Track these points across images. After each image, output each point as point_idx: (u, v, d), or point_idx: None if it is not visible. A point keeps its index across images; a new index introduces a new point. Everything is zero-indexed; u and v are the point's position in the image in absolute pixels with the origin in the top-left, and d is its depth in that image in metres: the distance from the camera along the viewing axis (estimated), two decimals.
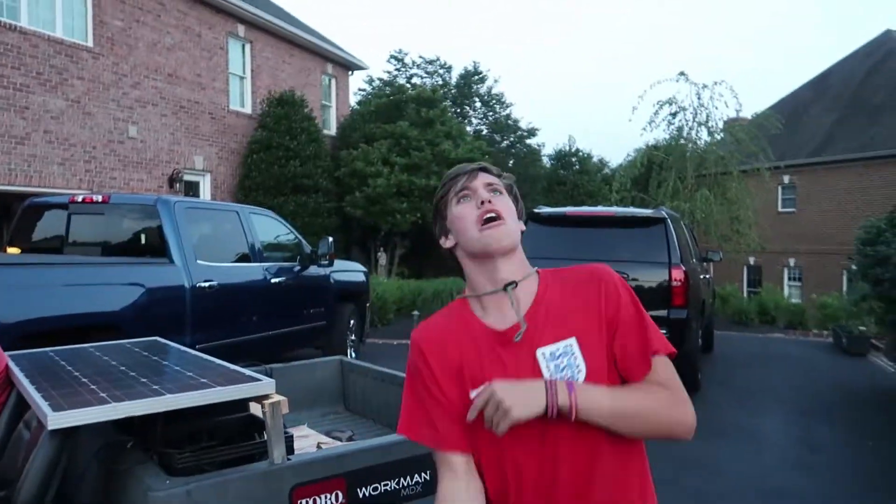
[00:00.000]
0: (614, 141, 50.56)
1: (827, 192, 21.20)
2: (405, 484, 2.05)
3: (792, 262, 22.16)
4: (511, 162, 27.16)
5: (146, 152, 11.84)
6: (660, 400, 1.28)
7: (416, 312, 11.25)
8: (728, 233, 14.35)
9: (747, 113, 17.29)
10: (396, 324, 11.18)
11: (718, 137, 14.86)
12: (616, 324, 1.29)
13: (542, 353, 1.26)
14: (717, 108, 14.83)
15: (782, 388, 7.43)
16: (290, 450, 2.01)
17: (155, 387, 1.95)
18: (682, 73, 14.20)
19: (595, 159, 25.41)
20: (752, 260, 22.04)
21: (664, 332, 5.44)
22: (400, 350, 9.12)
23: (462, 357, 1.30)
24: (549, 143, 33.30)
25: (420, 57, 29.14)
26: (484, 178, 1.38)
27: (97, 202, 5.45)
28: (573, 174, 20.60)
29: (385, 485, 2.00)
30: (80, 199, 5.54)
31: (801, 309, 13.24)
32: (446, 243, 1.41)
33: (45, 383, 1.99)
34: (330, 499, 1.89)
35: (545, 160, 25.70)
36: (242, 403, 2.11)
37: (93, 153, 10.83)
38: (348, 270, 7.99)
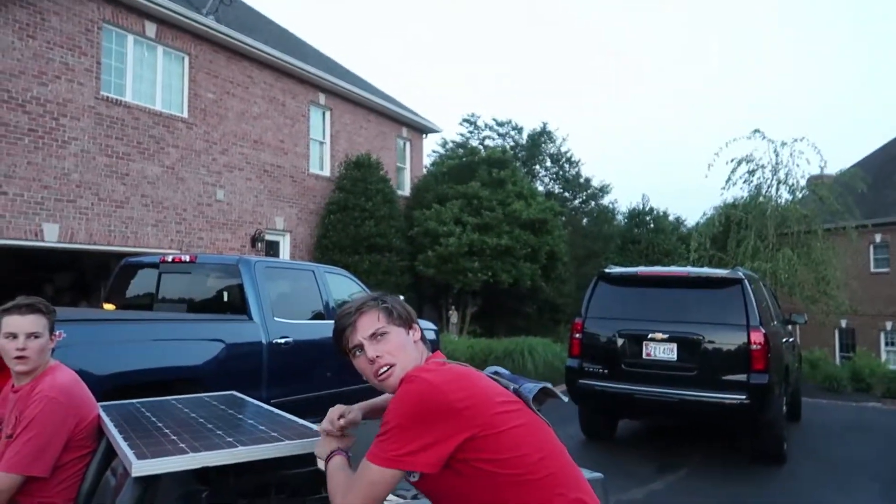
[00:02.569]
0: (690, 199, 49.54)
1: None
2: None
3: (889, 325, 20.82)
4: (584, 221, 27.03)
5: (231, 214, 12.51)
6: (341, 480, 1.63)
7: None
8: (814, 294, 13.69)
9: (833, 169, 16.70)
10: None
11: (799, 195, 14.37)
12: None
13: None
14: (797, 165, 14.39)
15: (877, 462, 6.91)
16: None
17: (229, 439, 2.05)
18: (756, 130, 13.95)
19: (671, 217, 24.97)
20: (843, 323, 20.85)
21: (742, 397, 5.20)
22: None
23: None
24: (623, 200, 33.15)
25: (493, 119, 29.80)
26: (364, 328, 1.56)
27: (185, 262, 5.79)
28: (647, 233, 20.26)
29: None
30: (170, 258, 5.91)
31: None
32: None
33: (131, 433, 2.13)
34: None
35: (619, 218, 25.43)
36: (310, 458, 2.19)
37: (183, 215, 11.54)
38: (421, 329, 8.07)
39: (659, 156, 74.44)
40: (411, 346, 1.60)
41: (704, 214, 15.71)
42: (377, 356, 1.54)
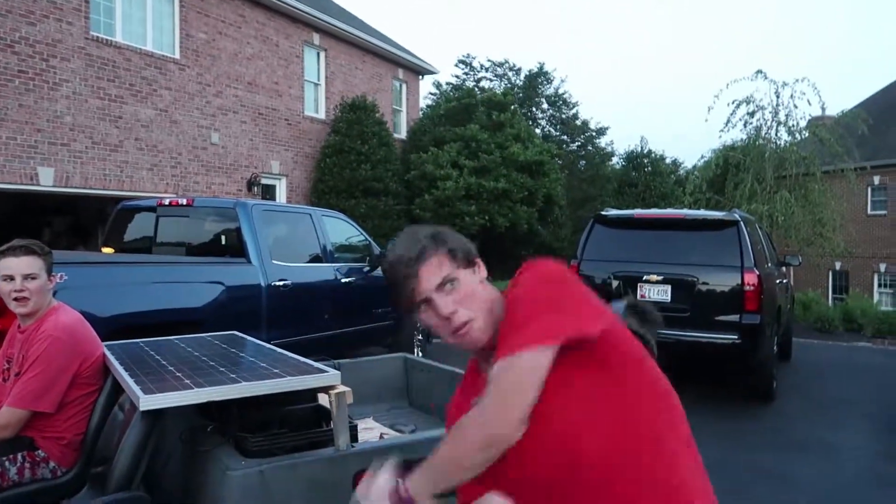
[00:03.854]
0: (689, 141, 49.14)
1: None
2: None
3: (883, 267, 20.99)
4: (581, 163, 26.87)
5: (227, 157, 12.41)
6: (458, 435, 1.21)
7: None
8: (810, 236, 13.75)
9: (834, 111, 16.53)
10: None
11: (799, 137, 14.26)
12: None
13: None
14: (796, 106, 14.19)
15: (865, 400, 7.10)
16: (354, 438, 2.13)
17: (232, 375, 2.11)
18: (759, 71, 13.74)
19: (668, 160, 24.83)
20: (838, 265, 21.00)
21: (734, 337, 5.29)
22: (466, 351, 9.23)
23: None
24: (620, 143, 32.74)
25: (488, 60, 29.26)
26: (429, 278, 1.30)
27: (182, 205, 5.80)
28: (645, 176, 20.20)
29: None
30: (167, 202, 5.91)
31: (891, 317, 12.54)
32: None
33: (137, 370, 2.19)
34: None
35: (616, 161, 25.31)
36: (311, 394, 2.25)
37: (178, 159, 11.45)
38: None
39: (658, 98, 73.46)
40: (481, 289, 1.35)
41: (703, 157, 15.65)
42: (452, 312, 1.29)
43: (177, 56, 11.53)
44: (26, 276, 2.43)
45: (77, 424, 2.42)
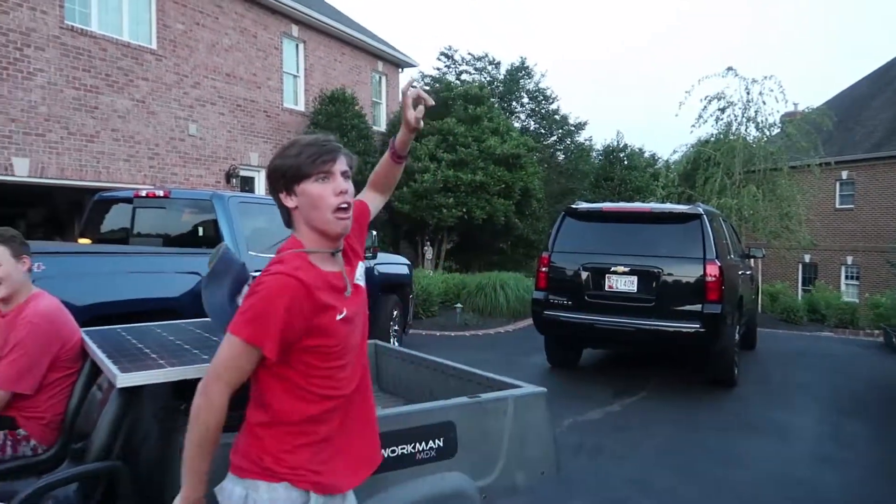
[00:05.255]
0: (665, 136, 49.70)
1: (887, 188, 20.51)
2: (420, 448, 2.30)
3: (850, 259, 21.52)
4: (560, 157, 27.10)
5: (205, 149, 12.43)
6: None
7: (459, 305, 11.50)
8: (777, 230, 14.10)
9: (806, 107, 16.90)
10: (440, 316, 11.47)
11: (768, 133, 14.59)
12: None
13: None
14: (765, 103, 14.50)
15: (820, 386, 7.40)
16: None
17: (205, 357, 2.25)
18: (730, 68, 14.03)
19: (647, 154, 25.19)
20: (807, 258, 21.51)
21: (696, 326, 5.56)
22: (442, 341, 9.41)
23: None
24: (598, 138, 33.00)
25: (469, 54, 29.37)
26: (342, 164, 1.62)
27: (159, 197, 5.89)
28: (621, 170, 20.49)
29: (402, 448, 2.26)
30: (143, 193, 5.99)
31: (853, 307, 12.95)
32: (288, 202, 1.62)
33: (114, 352, 2.32)
34: None
35: (594, 155, 25.58)
36: None
37: (156, 150, 11.46)
38: (392, 263, 8.30)
39: (635, 93, 73.99)
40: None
41: (675, 152, 15.92)
42: (346, 191, 1.60)
43: (153, 47, 11.51)
44: None
45: (56, 405, 2.55)
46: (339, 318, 1.58)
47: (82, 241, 6.08)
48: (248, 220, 5.86)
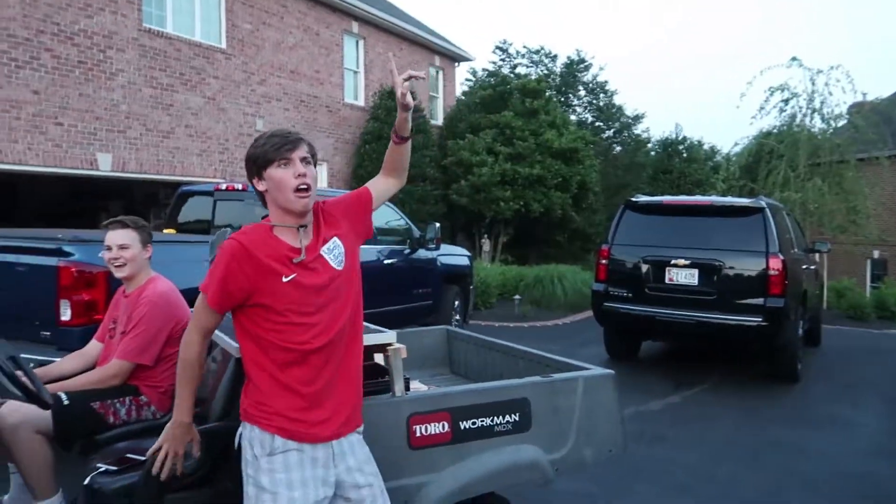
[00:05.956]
0: (725, 128, 48.43)
1: None
2: (498, 422, 2.50)
3: None
4: (617, 150, 26.87)
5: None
6: None
7: (517, 297, 11.66)
8: (844, 224, 13.72)
9: (874, 97, 16.34)
10: (498, 307, 11.66)
11: (834, 124, 14.19)
12: None
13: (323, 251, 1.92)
14: (831, 94, 14.13)
15: (889, 383, 7.28)
16: (407, 388, 2.52)
17: None
18: (794, 58, 13.70)
19: (706, 147, 24.73)
20: (876, 253, 20.76)
21: (758, 319, 5.61)
22: (501, 332, 9.59)
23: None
24: (656, 130, 32.57)
25: (524, 47, 29.32)
26: (301, 152, 1.88)
27: (237, 190, 6.25)
28: (680, 162, 20.21)
29: (481, 420, 2.46)
30: (223, 187, 6.37)
31: None
32: (259, 185, 1.92)
33: (225, 328, 2.60)
34: (438, 427, 2.38)
35: (651, 147, 25.26)
36: (369, 354, 2.64)
37: (226, 145, 11.99)
38: (453, 255, 8.53)
39: (694, 84, 72.21)
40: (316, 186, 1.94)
41: (736, 144, 15.64)
42: (304, 174, 1.86)
43: (223, 46, 12.02)
44: (120, 246, 2.89)
45: (172, 376, 2.83)
46: (284, 280, 1.83)
47: (168, 231, 6.50)
48: None
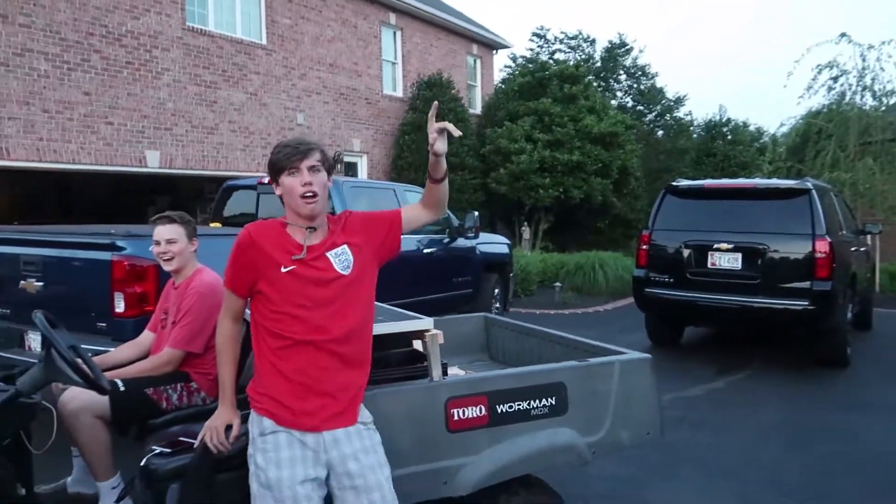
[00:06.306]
0: (771, 107, 47.01)
1: None
2: (534, 405, 2.55)
3: None
4: (659, 133, 26.40)
5: (312, 137, 12.92)
6: None
7: (558, 284, 11.63)
8: None
9: None
10: (539, 295, 11.65)
11: (886, 101, 13.66)
12: None
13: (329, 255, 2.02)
14: (883, 69, 13.53)
15: None
16: (444, 373, 2.58)
17: None
18: (843, 34, 13.20)
19: (752, 128, 24.11)
20: None
21: (805, 303, 5.50)
22: (541, 319, 9.59)
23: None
24: (699, 112, 31.84)
25: (562, 32, 29.01)
26: (309, 161, 1.99)
27: None
28: (724, 145, 19.76)
29: (518, 404, 2.51)
30: (266, 181, 6.51)
31: None
32: (277, 190, 2.05)
33: None
34: (475, 411, 2.43)
35: (693, 130, 24.74)
36: (407, 340, 2.71)
37: (268, 139, 12.22)
38: (493, 243, 8.56)
39: (737, 64, 70.16)
40: (327, 187, 2.06)
41: (782, 125, 15.23)
42: (310, 182, 1.97)
43: (264, 42, 12.24)
44: (168, 241, 3.02)
45: None
46: (283, 270, 1.96)
47: (213, 224, 6.70)
48: (360, 203, 6.27)
